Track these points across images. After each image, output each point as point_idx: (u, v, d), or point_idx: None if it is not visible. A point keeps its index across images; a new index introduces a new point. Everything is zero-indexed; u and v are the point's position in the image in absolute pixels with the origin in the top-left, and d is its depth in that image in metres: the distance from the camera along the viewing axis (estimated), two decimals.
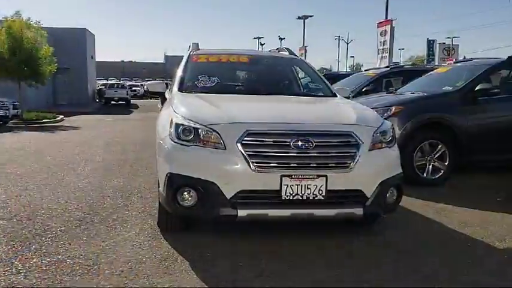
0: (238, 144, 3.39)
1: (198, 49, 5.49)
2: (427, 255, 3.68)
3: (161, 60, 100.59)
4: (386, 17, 20.39)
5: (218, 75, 4.98)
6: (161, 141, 3.82)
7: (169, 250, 3.70)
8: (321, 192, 3.42)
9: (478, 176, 6.93)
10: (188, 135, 3.57)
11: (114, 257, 3.55)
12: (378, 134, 3.72)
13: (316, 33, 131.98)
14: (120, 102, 34.05)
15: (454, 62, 7.89)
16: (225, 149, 3.44)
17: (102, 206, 5.04)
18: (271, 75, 5.41)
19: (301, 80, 5.69)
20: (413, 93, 7.07)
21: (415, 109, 6.35)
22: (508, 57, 6.85)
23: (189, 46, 5.88)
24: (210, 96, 4.29)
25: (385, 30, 19.01)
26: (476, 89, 6.41)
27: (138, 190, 5.82)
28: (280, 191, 3.39)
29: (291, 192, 3.39)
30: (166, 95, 4.90)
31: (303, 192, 3.40)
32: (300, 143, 3.40)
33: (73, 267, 3.32)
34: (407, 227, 4.44)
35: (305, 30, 44.48)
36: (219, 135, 3.47)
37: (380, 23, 19.91)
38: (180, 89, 4.63)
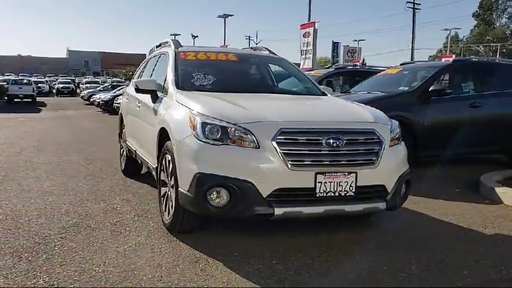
0: (274, 143, 3.41)
1: (181, 46, 5.35)
2: (435, 244, 3.96)
3: (63, 55, 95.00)
4: (309, 19, 21.14)
5: (211, 73, 4.91)
6: (181, 142, 3.70)
7: (193, 252, 3.61)
8: (351, 188, 3.55)
9: (426, 170, 7.49)
10: (215, 134, 3.52)
11: (142, 262, 3.40)
12: (392, 131, 3.94)
13: (235, 32, 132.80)
14: (25, 99, 31.63)
15: (401, 64, 8.45)
16: (259, 147, 3.44)
17: (88, 210, 4.74)
18: (264, 74, 5.45)
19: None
20: (369, 92, 7.47)
21: (381, 108, 6.70)
22: (453, 60, 7.51)
23: (166, 42, 5.71)
24: (221, 95, 4.23)
25: (308, 32, 19.70)
26: (430, 89, 6.94)
27: (115, 193, 5.55)
28: (314, 188, 3.47)
29: (325, 189, 3.48)
30: (158, 94, 4.73)
31: (335, 189, 3.51)
32: (331, 141, 3.50)
33: (107, 276, 3.14)
34: (399, 219, 4.68)
35: (225, 28, 44.77)
36: (252, 134, 3.46)
37: (303, 24, 20.56)
38: (179, 87, 4.49)
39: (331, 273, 3.28)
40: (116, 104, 18.16)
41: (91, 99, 27.73)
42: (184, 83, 4.60)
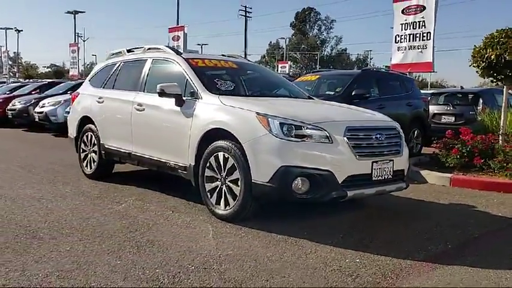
0: (345, 138, 4.20)
1: (180, 52, 5.66)
2: (428, 214, 5.20)
3: None
4: (177, 23, 21.54)
5: (226, 79, 5.39)
6: (256, 140, 4.20)
7: (272, 234, 4.12)
8: (390, 172, 4.54)
9: None
10: (292, 132, 4.16)
11: (248, 245, 3.85)
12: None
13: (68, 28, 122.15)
14: None
15: (313, 72, 9.76)
16: (332, 142, 4.19)
17: (117, 211, 4.81)
18: (267, 80, 6.11)
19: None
20: None
21: None
22: (362, 70, 9.06)
23: (157, 48, 5.93)
24: (258, 99, 4.92)
25: (178, 35, 20.18)
26: (353, 93, 8.31)
27: (118, 195, 5.53)
28: (371, 174, 4.36)
29: (376, 174, 4.40)
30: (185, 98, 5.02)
31: (382, 174, 4.45)
32: (379, 136, 4.46)
33: (237, 259, 3.52)
34: (382, 200, 5.51)
35: (76, 25, 42.65)
36: (326, 131, 4.19)
37: (171, 28, 20.92)
38: (211, 92, 4.90)
39: (392, 239, 4.19)
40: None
41: None
42: (212, 88, 5.02)
